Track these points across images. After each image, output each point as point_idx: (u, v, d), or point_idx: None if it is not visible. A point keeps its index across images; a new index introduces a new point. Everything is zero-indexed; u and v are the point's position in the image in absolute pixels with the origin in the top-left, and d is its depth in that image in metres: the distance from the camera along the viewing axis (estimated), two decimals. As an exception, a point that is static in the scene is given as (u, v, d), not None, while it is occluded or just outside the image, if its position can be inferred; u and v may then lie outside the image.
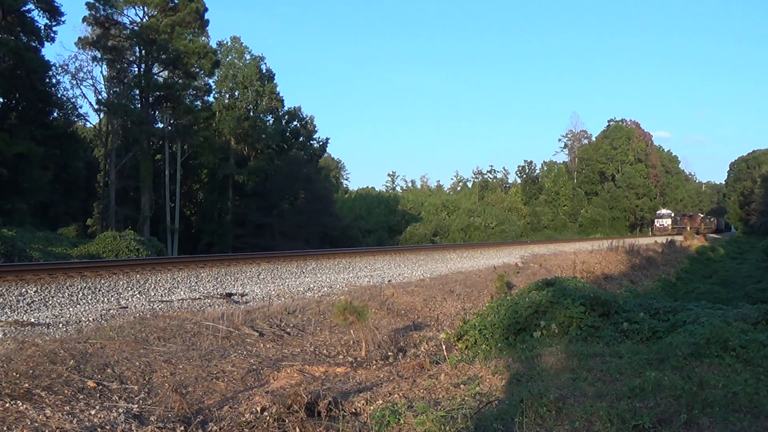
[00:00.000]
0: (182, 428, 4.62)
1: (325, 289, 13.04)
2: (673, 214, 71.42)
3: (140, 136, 41.24)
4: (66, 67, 41.88)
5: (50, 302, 9.74)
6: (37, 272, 11.26)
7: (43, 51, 36.25)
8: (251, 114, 52.45)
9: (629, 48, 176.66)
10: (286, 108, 56.50)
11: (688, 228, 71.95)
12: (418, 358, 7.80)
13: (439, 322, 11.23)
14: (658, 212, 74.75)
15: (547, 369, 6.08)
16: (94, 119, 65.01)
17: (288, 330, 8.99)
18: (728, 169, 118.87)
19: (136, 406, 5.12)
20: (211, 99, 48.94)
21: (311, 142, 60.09)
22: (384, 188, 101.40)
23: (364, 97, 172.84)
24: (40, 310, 9.20)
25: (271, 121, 55.53)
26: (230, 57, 52.98)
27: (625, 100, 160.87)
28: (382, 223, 65.07)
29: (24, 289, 10.15)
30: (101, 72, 52.63)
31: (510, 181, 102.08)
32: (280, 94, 55.50)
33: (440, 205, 76.18)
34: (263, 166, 50.56)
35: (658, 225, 69.93)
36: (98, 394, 5.34)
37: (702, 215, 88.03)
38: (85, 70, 48.49)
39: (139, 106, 41.60)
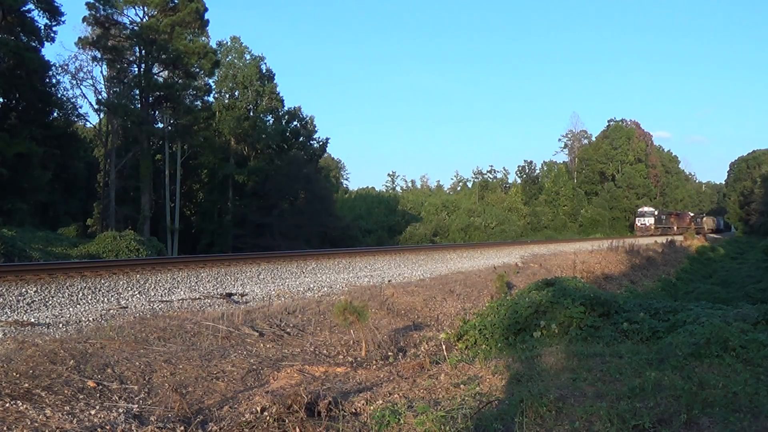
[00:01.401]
0: (182, 428, 4.62)
1: (325, 289, 13.04)
2: (656, 213, 64.24)
3: (140, 136, 41.27)
4: (66, 67, 41.99)
5: (50, 302, 9.74)
6: (37, 272, 11.27)
7: (43, 51, 36.34)
8: (251, 114, 52.48)
9: (629, 48, 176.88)
10: (286, 108, 56.61)
11: (675, 228, 65.39)
12: (418, 358, 7.79)
13: (439, 322, 11.23)
14: (639, 210, 66.91)
15: (547, 369, 6.07)
16: (94, 119, 65.11)
17: (288, 330, 8.99)
18: (728, 169, 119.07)
19: (136, 406, 5.12)
20: (211, 99, 49.06)
21: (311, 142, 60.12)
22: (384, 188, 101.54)
23: (364, 97, 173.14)
24: (40, 310, 9.20)
25: (271, 121, 55.58)
26: (230, 57, 53.02)
27: (625, 100, 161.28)
28: (382, 223, 65.09)
29: (24, 289, 10.15)
30: (101, 72, 52.68)
31: (510, 181, 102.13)
32: (280, 94, 55.67)
33: (440, 205, 76.23)
34: (263, 166, 50.57)
35: (639, 224, 62.82)
36: (98, 394, 5.34)
37: (692, 214, 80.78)
38: (85, 70, 48.68)
39: (139, 106, 41.63)
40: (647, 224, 61.78)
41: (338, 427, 4.45)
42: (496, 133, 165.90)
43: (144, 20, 41.57)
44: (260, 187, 49.78)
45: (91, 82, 48.16)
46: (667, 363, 5.84)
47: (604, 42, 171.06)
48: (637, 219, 64.44)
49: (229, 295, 11.51)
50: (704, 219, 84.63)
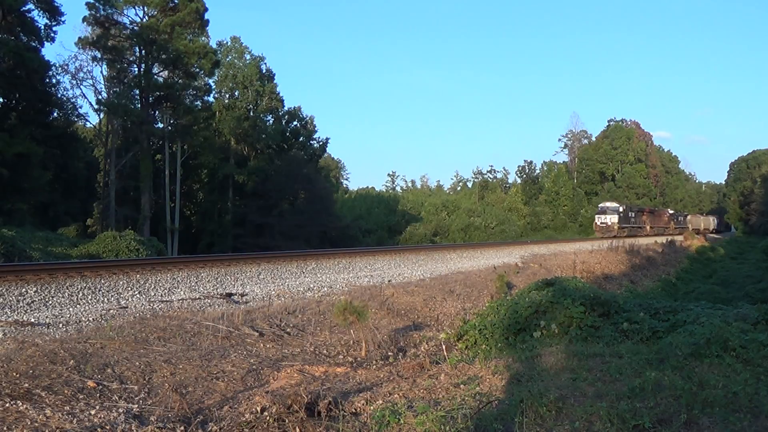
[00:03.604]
0: (182, 428, 4.62)
1: (325, 289, 13.04)
2: (622, 209, 51.54)
3: (140, 136, 41.26)
4: (66, 67, 41.98)
5: (50, 302, 9.74)
6: (37, 272, 11.26)
7: (43, 51, 36.32)
8: (251, 114, 52.45)
9: (629, 48, 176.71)
10: (286, 108, 56.56)
11: (648, 228, 56.19)
12: (418, 358, 7.80)
13: (439, 322, 11.23)
14: (600, 205, 54.10)
15: (547, 369, 6.07)
16: (94, 119, 64.97)
17: (288, 330, 8.99)
18: (728, 169, 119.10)
19: (136, 406, 5.12)
20: (211, 99, 48.99)
21: (311, 142, 60.11)
22: (384, 188, 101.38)
23: (364, 97, 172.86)
24: (40, 310, 9.20)
25: (271, 121, 55.56)
26: (230, 57, 52.99)
27: (625, 100, 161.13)
28: (382, 223, 65.01)
29: (24, 289, 10.15)
30: (101, 72, 52.70)
31: (510, 181, 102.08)
32: (280, 94, 55.60)
33: (440, 205, 76.10)
34: (263, 166, 50.57)
35: (599, 223, 50.82)
36: (98, 394, 5.34)
37: (671, 211, 69.81)
38: (85, 70, 48.64)
39: (139, 106, 41.61)
40: (609, 223, 50.04)
41: (338, 427, 4.45)
42: (496, 133, 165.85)
43: (144, 20, 41.54)
44: (260, 187, 49.76)
45: (91, 82, 48.20)
46: (667, 363, 5.83)
47: (604, 42, 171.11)
48: (596, 216, 52.15)
49: (229, 295, 11.51)
50: (689, 218, 75.79)
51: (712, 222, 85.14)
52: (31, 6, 34.43)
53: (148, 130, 41.36)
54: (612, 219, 50.09)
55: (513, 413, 4.50)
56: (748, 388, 4.90)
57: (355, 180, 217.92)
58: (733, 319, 7.52)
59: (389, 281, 14.61)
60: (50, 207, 39.18)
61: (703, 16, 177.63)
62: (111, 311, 9.27)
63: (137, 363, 6.32)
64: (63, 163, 39.14)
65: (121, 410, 4.93)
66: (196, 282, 12.70)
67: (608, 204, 53.51)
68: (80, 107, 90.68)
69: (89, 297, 10.37)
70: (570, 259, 24.31)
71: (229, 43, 53.50)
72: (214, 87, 50.08)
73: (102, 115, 44.20)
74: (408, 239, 59.05)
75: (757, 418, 4.37)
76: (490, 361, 6.68)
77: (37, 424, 4.38)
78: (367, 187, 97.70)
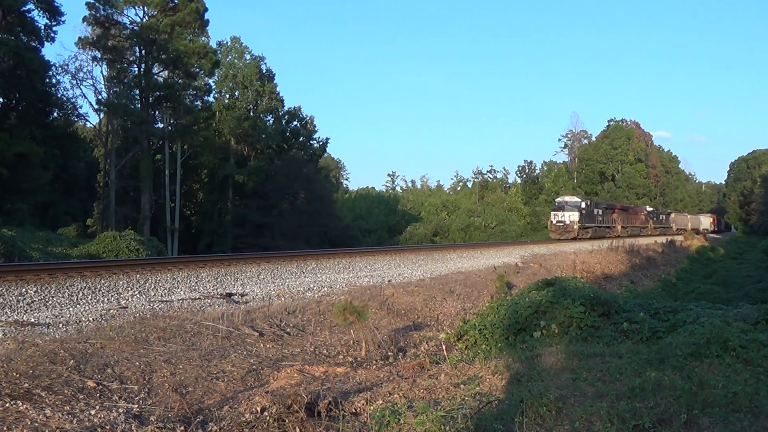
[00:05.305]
0: (182, 428, 4.62)
1: (325, 289, 13.03)
2: (584, 205, 41.57)
3: (140, 136, 41.30)
4: (66, 67, 42.08)
5: (50, 302, 9.74)
6: (37, 272, 11.26)
7: (43, 51, 36.42)
8: (251, 114, 52.49)
9: (629, 48, 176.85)
10: (286, 108, 56.64)
11: (619, 228, 47.17)
12: (418, 358, 7.79)
13: (439, 322, 11.23)
14: (558, 200, 44.01)
15: (547, 369, 6.07)
16: (94, 119, 65.02)
17: (288, 330, 8.99)
18: (728, 169, 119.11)
19: (136, 406, 5.12)
20: (211, 99, 49.08)
21: (311, 142, 60.16)
22: (384, 188, 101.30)
23: (364, 97, 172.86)
24: (40, 310, 9.20)
25: (271, 121, 55.60)
26: (230, 57, 53.04)
27: (625, 100, 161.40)
28: (382, 223, 65.05)
29: (24, 289, 10.15)
30: (101, 72, 52.76)
31: (510, 181, 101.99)
32: (280, 94, 55.69)
33: (440, 205, 76.19)
34: (263, 166, 50.59)
35: (555, 221, 40.29)
36: (98, 394, 5.34)
37: (650, 209, 60.42)
38: (85, 70, 48.70)
39: (139, 106, 41.66)
40: (567, 221, 39.76)
41: (338, 427, 4.45)
42: (496, 133, 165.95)
43: (144, 20, 41.59)
44: (260, 187, 49.79)
45: (91, 82, 48.25)
46: (667, 363, 5.83)
47: (604, 42, 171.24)
48: (552, 213, 41.41)
49: (229, 295, 11.51)
50: (673, 216, 67.90)
51: (703, 221, 77.80)
52: (31, 6, 34.53)
53: (148, 130, 41.39)
54: (571, 217, 39.84)
55: (513, 413, 4.50)
56: (748, 388, 4.90)
57: (355, 180, 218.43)
58: (733, 319, 7.52)
59: (389, 281, 14.61)
60: (50, 207, 39.21)
61: (703, 16, 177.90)
62: (111, 311, 9.27)
63: (137, 363, 6.32)
64: (63, 163, 39.19)
65: (121, 410, 4.93)
66: (196, 282, 12.70)
67: (567, 198, 43.24)
68: (80, 107, 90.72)
69: (89, 297, 10.37)
70: (570, 259, 24.30)
71: (229, 43, 53.59)
72: (214, 87, 50.22)
73: (102, 115, 44.28)
74: (408, 239, 59.06)
75: (757, 418, 4.37)
76: (490, 361, 6.68)
77: (37, 424, 4.38)
78: (367, 187, 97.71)
